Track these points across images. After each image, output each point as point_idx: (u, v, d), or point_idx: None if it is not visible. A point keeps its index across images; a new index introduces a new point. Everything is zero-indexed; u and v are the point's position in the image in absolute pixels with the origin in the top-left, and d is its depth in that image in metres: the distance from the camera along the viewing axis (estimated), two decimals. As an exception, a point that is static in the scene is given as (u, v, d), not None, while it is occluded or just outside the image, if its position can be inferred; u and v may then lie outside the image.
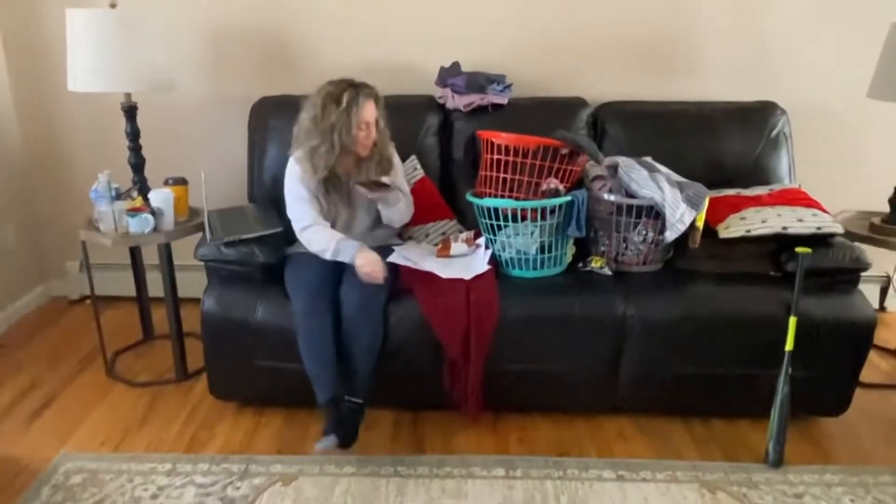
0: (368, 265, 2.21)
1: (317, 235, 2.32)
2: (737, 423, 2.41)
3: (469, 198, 2.49)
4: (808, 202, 2.43)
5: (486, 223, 2.42)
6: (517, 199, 2.37)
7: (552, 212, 2.33)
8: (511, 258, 2.39)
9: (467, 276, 2.30)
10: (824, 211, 2.40)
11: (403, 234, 2.64)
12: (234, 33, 2.95)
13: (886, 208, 2.67)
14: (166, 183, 2.60)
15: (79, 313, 3.22)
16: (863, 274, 2.36)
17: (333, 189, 2.39)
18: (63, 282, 3.33)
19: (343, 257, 2.26)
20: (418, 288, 2.28)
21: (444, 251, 2.46)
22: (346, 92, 2.26)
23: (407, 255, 2.42)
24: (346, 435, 2.10)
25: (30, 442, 2.31)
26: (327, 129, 2.27)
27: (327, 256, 2.28)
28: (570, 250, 2.46)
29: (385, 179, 2.38)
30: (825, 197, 2.50)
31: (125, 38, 2.41)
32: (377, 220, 2.51)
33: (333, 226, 2.40)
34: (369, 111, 2.30)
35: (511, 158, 2.38)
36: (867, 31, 2.71)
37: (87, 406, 2.50)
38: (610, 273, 2.40)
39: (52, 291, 3.35)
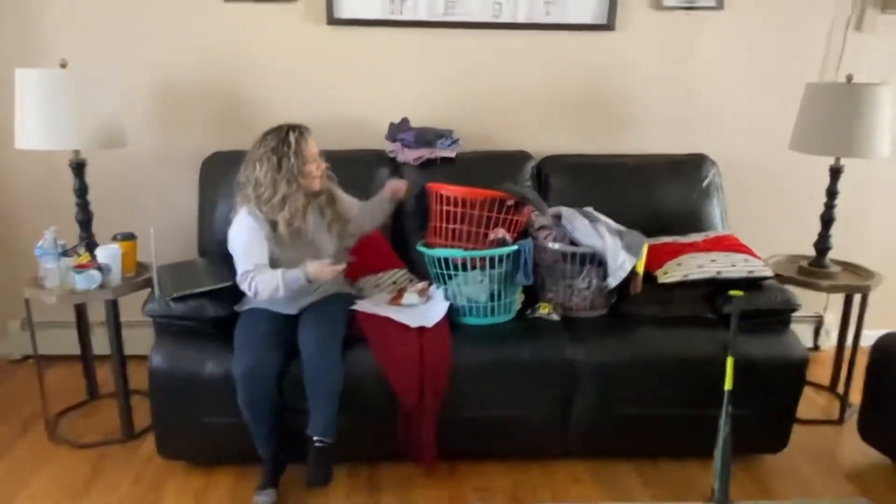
0: (321, 270, 2.26)
1: (263, 278, 2.26)
2: (685, 462, 2.48)
3: (420, 248, 2.55)
4: (740, 248, 2.57)
5: (436, 272, 2.47)
6: (466, 248, 2.44)
7: (500, 260, 2.40)
8: (462, 306, 2.44)
9: (427, 323, 2.34)
10: (755, 256, 2.54)
11: (354, 285, 2.66)
12: (185, 89, 2.98)
13: (813, 252, 2.84)
14: (114, 238, 2.59)
15: (20, 373, 3.11)
16: (796, 314, 2.49)
17: (295, 236, 2.38)
18: (2, 341, 3.22)
19: (296, 283, 2.27)
20: (372, 337, 2.30)
21: (396, 300, 2.50)
22: (290, 133, 2.31)
23: (362, 306, 2.45)
24: (324, 474, 2.18)
25: (-34, 511, 2.22)
26: (290, 173, 2.29)
27: (281, 293, 2.26)
28: (519, 297, 2.53)
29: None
30: (756, 242, 2.64)
31: (75, 97, 2.42)
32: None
33: None
34: (314, 145, 2.35)
35: (460, 210, 2.46)
36: (787, 90, 2.92)
37: (28, 470, 2.41)
38: (557, 319, 2.47)
39: (-9, 352, 3.24)
